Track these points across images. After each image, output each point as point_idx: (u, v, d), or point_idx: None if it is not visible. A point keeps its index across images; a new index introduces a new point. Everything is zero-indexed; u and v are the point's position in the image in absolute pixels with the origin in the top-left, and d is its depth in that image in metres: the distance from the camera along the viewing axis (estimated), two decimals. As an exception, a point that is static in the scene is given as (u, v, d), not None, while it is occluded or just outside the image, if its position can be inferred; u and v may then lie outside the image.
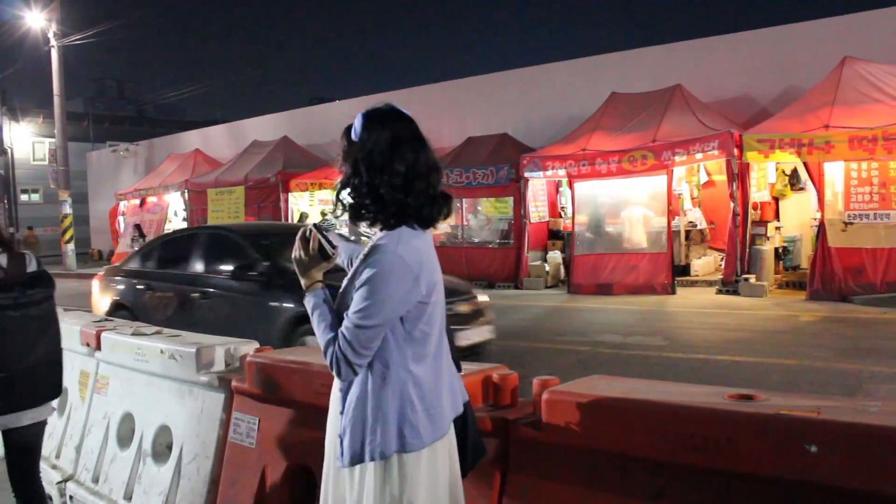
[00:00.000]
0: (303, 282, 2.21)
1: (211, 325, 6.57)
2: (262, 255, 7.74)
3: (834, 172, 12.05)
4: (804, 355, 8.07)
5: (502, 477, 2.63)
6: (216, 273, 8.05)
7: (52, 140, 27.58)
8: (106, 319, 5.21)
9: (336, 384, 2.23)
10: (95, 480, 4.34)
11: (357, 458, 2.11)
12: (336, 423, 2.20)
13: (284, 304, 7.07)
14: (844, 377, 7.07)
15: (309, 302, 2.19)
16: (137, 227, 18.14)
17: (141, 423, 4.18)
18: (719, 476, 2.16)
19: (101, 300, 9.21)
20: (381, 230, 2.15)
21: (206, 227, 12.90)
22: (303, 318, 6.40)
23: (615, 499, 2.34)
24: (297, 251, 2.21)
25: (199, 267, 8.23)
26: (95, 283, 9.56)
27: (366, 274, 2.06)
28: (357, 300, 2.08)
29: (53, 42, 26.06)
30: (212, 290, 7.88)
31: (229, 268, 7.79)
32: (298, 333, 6.74)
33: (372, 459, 2.10)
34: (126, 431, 4.32)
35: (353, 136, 2.15)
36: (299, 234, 2.21)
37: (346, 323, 2.08)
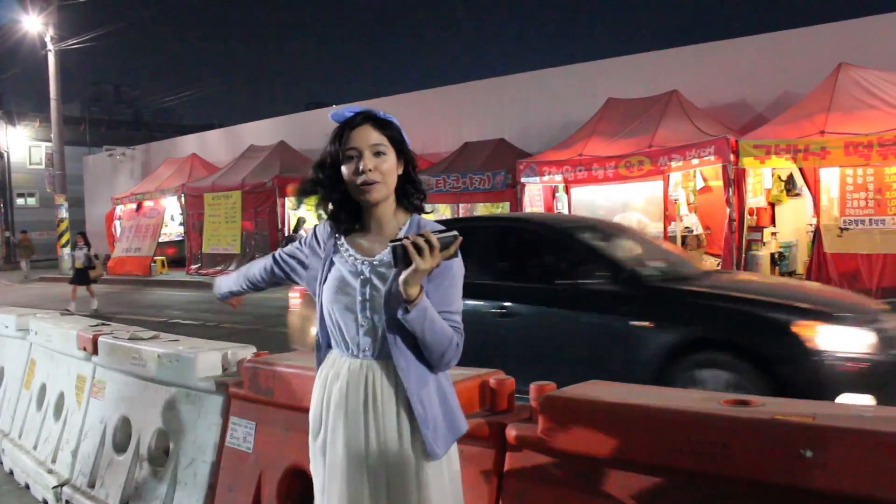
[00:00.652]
0: (414, 291, 2.01)
1: (518, 356, 5.40)
2: (615, 259, 5.80)
3: (830, 178, 12.09)
4: (800, 361, 8.06)
5: (498, 482, 2.64)
6: (527, 281, 6.05)
7: (49, 144, 27.61)
8: (102, 324, 5.20)
9: (379, 384, 2.14)
10: (91, 485, 4.34)
11: (444, 448, 2.16)
12: (393, 424, 2.13)
13: (657, 326, 5.16)
14: (840, 382, 7.07)
15: (426, 308, 2.03)
16: (82, 234, 17.60)
17: (137, 428, 4.18)
18: (715, 480, 2.17)
19: (310, 319, 6.80)
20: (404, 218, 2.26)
21: (493, 219, 10.40)
22: (689, 346, 5.04)
23: (611, 503, 2.35)
24: (426, 259, 1.97)
25: (497, 273, 6.14)
26: (296, 299, 7.34)
27: (452, 262, 2.10)
28: (454, 287, 2.16)
29: (50, 46, 26.09)
30: (523, 305, 5.81)
31: (557, 274, 5.82)
32: (685, 366, 4.94)
33: (447, 448, 2.17)
34: (123, 436, 4.31)
35: (399, 133, 2.22)
36: (428, 239, 1.98)
37: (456, 314, 2.16)
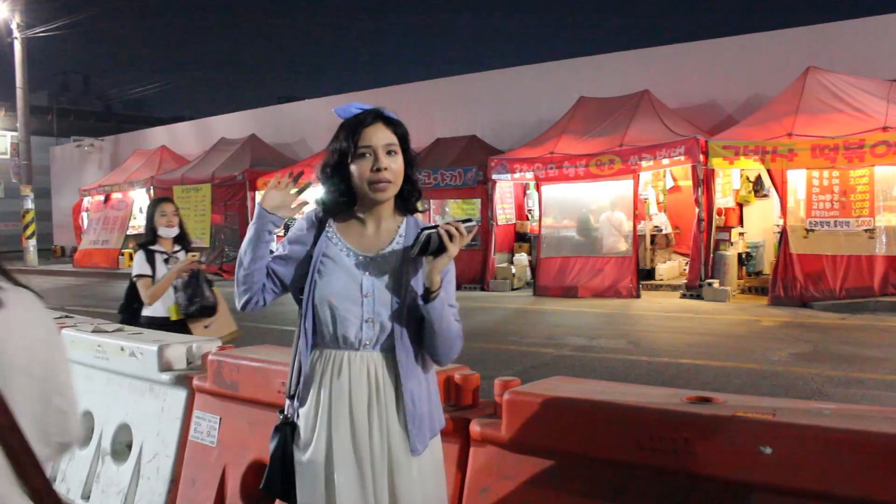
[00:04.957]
0: (439, 279, 2.14)
1: None
2: None
3: (796, 180, 12.23)
4: (765, 360, 8.19)
5: (462, 477, 2.64)
6: None
7: (15, 134, 27.09)
8: (65, 315, 5.13)
9: (382, 377, 2.17)
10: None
11: (423, 444, 2.21)
12: (394, 416, 2.17)
13: None
14: (803, 381, 7.19)
15: (443, 297, 2.15)
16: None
17: (100, 422, 4.13)
18: (677, 476, 2.18)
19: None
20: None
21: None
22: None
23: (575, 499, 2.36)
24: (456, 246, 2.11)
25: None
26: None
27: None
28: (453, 282, 2.23)
29: (16, 33, 25.64)
30: None
31: None
32: None
33: (425, 444, 2.21)
34: (85, 430, 4.25)
35: (406, 133, 2.27)
36: (457, 226, 2.10)
37: (456, 308, 2.24)
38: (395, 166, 2.18)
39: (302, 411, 2.21)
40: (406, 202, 2.29)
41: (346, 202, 2.25)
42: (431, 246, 2.09)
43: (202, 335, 4.75)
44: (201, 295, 5.10)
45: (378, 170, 2.14)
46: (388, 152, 2.17)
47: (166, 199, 5.49)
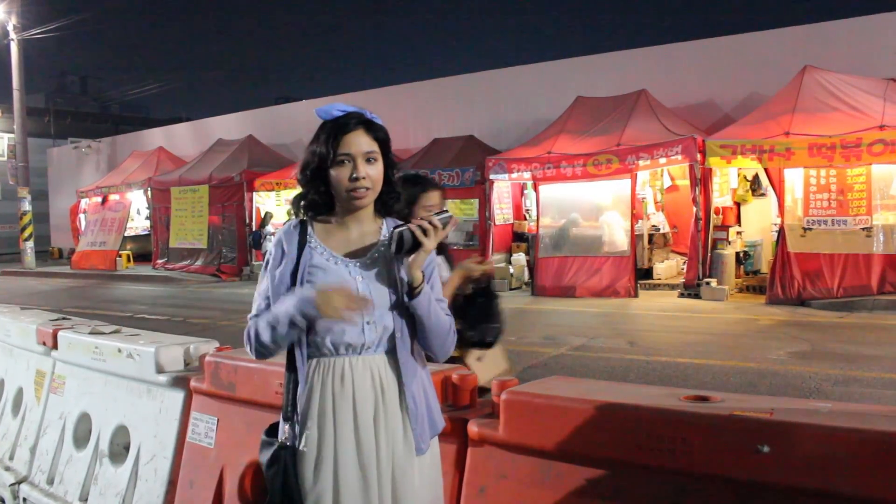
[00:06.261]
0: (420, 274, 2.14)
1: None
2: None
3: (794, 179, 12.24)
4: (763, 358, 8.19)
5: (460, 477, 2.64)
6: None
7: (11, 135, 27.07)
8: (63, 318, 5.12)
9: (386, 379, 2.16)
10: (50, 482, 4.27)
11: (427, 443, 2.24)
12: (398, 418, 2.16)
13: None
14: (801, 380, 7.19)
15: (429, 291, 2.17)
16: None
17: (98, 424, 4.12)
18: (675, 476, 2.18)
19: None
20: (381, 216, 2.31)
21: None
22: None
23: (573, 498, 2.36)
24: (431, 240, 2.10)
25: None
26: None
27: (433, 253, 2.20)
28: (438, 276, 2.28)
29: (13, 35, 25.63)
30: None
31: None
32: None
33: (428, 444, 2.25)
34: (83, 432, 4.25)
35: (387, 136, 2.25)
36: (431, 220, 2.12)
37: (444, 302, 2.26)
38: (374, 173, 2.16)
39: (305, 430, 2.15)
40: (385, 205, 2.28)
41: (325, 204, 2.23)
42: (405, 244, 2.09)
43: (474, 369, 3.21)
44: (496, 316, 3.49)
45: (356, 178, 2.13)
46: (368, 160, 2.15)
47: (433, 185, 3.49)
